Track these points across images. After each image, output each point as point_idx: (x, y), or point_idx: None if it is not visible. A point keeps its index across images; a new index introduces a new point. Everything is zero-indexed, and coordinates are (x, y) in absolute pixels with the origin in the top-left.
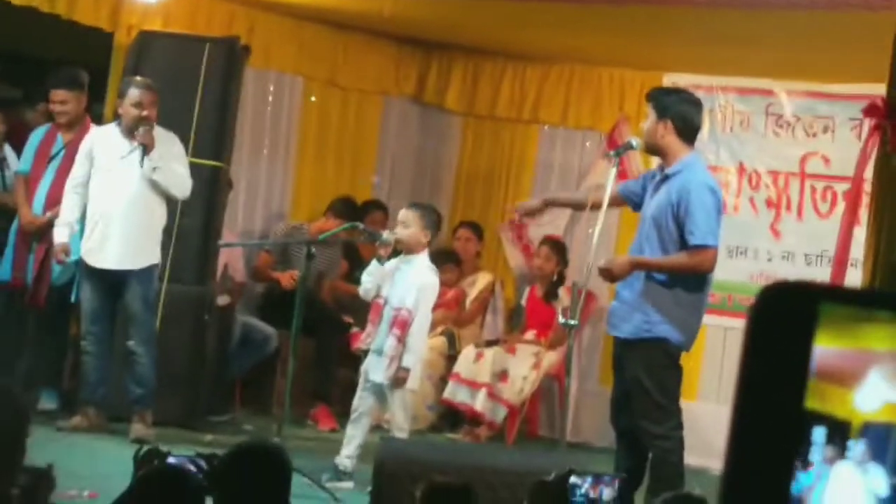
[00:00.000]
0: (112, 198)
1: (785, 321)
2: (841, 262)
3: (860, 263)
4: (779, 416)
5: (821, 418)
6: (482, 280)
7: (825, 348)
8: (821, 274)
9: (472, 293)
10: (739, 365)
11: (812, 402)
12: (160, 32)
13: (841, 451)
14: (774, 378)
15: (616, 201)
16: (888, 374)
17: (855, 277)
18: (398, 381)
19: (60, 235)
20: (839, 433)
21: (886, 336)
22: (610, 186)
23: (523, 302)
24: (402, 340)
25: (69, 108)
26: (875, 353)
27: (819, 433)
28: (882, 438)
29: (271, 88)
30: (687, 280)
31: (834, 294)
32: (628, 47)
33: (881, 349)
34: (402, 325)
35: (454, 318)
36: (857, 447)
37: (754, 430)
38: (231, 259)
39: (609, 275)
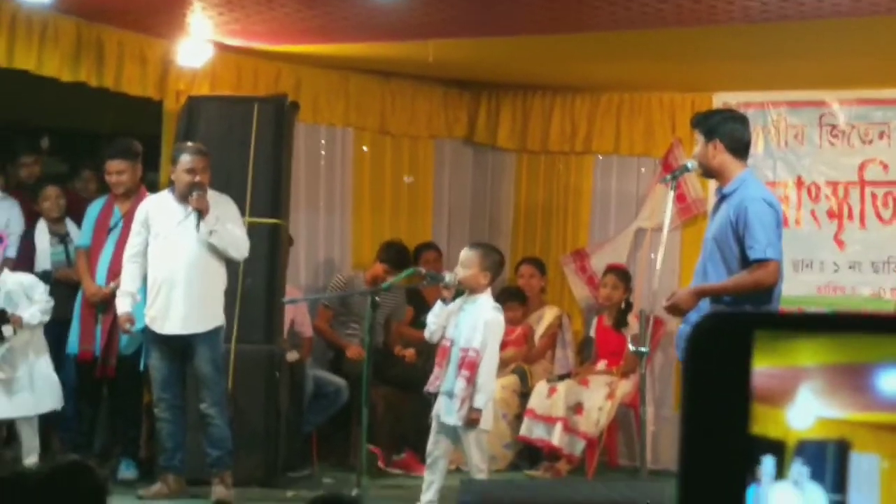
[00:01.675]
0: (172, 264)
1: (722, 351)
2: None
3: None
4: (726, 445)
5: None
6: (549, 314)
7: (755, 370)
8: (889, 281)
9: (540, 329)
10: (683, 398)
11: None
12: (209, 96)
13: (778, 472)
14: (717, 408)
15: None
16: (818, 390)
17: None
18: (471, 421)
19: (123, 306)
20: (775, 453)
21: (814, 351)
22: (669, 210)
23: (592, 333)
24: (471, 381)
25: (125, 178)
26: (804, 368)
27: (768, 458)
28: (817, 456)
29: (323, 142)
30: (754, 298)
31: (768, 321)
32: (676, 70)
33: (810, 364)
34: (471, 366)
35: (524, 355)
36: (793, 466)
37: (703, 461)
38: (297, 314)
39: (676, 310)
